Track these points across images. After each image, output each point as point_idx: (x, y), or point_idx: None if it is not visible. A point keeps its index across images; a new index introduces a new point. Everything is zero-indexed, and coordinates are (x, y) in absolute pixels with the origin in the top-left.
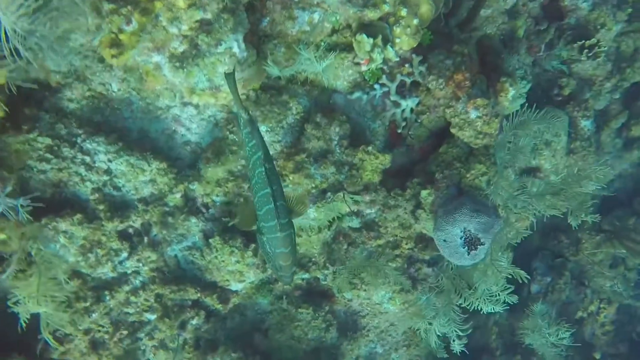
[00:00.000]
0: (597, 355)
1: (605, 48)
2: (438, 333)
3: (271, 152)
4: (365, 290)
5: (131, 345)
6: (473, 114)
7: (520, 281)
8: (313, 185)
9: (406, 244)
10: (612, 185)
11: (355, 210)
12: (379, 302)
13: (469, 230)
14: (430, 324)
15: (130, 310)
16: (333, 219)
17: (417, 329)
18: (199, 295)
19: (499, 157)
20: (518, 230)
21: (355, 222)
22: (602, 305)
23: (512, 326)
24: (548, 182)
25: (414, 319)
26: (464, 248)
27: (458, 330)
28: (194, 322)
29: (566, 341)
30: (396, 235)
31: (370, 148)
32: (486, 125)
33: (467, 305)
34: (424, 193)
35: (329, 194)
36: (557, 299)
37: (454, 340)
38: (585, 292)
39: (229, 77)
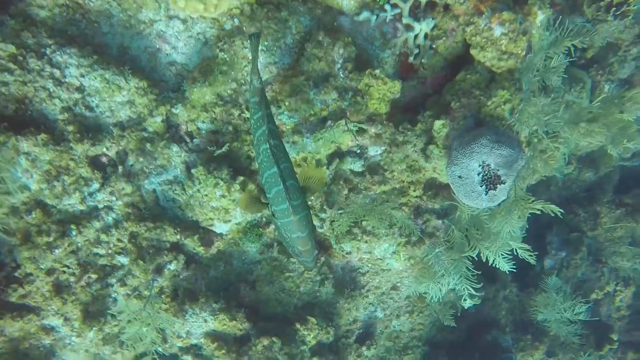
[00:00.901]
0: (615, 337)
1: (636, 7)
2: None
3: (266, 75)
4: (366, 242)
5: (100, 291)
6: (497, 31)
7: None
8: (312, 112)
9: (414, 190)
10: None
11: (359, 144)
12: (381, 256)
13: (488, 165)
14: (438, 283)
15: (101, 251)
16: (333, 154)
17: (424, 292)
18: (178, 237)
19: (525, 81)
20: (546, 162)
21: (357, 165)
22: (618, 288)
23: (522, 303)
24: (583, 107)
25: (419, 279)
26: (481, 186)
27: (470, 288)
28: (172, 267)
29: (583, 316)
30: (403, 181)
31: (377, 72)
32: (512, 44)
33: (483, 257)
34: (437, 124)
35: (329, 122)
36: (573, 275)
37: (465, 300)
38: (602, 270)
39: (253, 38)
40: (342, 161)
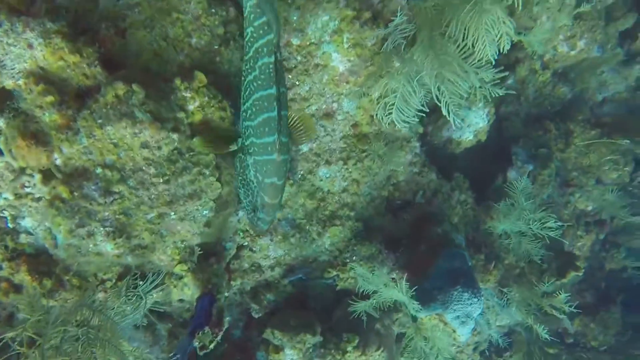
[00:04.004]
0: (581, 265)
1: None
2: (417, 104)
3: None
4: (298, 7)
5: None
6: None
7: None
8: None
9: None
10: (600, 109)
11: None
12: (316, 40)
13: None
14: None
15: None
16: None
17: (375, 114)
18: None
19: None
20: None
21: None
22: (579, 233)
23: (477, 219)
24: None
25: (366, 89)
26: None
27: (460, 90)
28: None
29: (553, 233)
30: None
31: None
32: None
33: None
34: None
35: None
36: (538, 193)
37: (446, 105)
38: (570, 199)
39: None
40: None
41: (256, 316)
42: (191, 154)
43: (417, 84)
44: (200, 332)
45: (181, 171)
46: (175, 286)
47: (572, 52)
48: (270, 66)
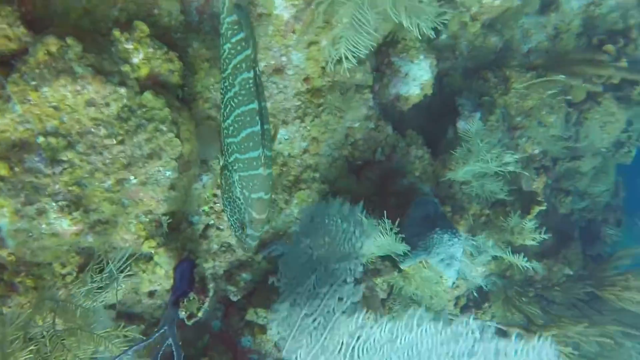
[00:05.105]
0: (542, 200)
1: None
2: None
3: None
4: None
5: None
6: None
7: None
8: None
9: None
10: (528, 59)
11: None
12: None
13: None
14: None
15: None
16: None
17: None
18: None
19: None
20: None
21: None
22: (533, 177)
23: (436, 174)
24: None
25: (316, 23)
26: None
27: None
28: None
29: (512, 167)
30: None
31: None
32: None
33: None
34: None
35: None
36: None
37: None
38: (519, 142)
39: None
40: None
41: (235, 299)
42: (143, 110)
43: (369, 7)
44: (185, 300)
45: (135, 129)
46: (144, 271)
47: (496, 2)
48: (250, 81)
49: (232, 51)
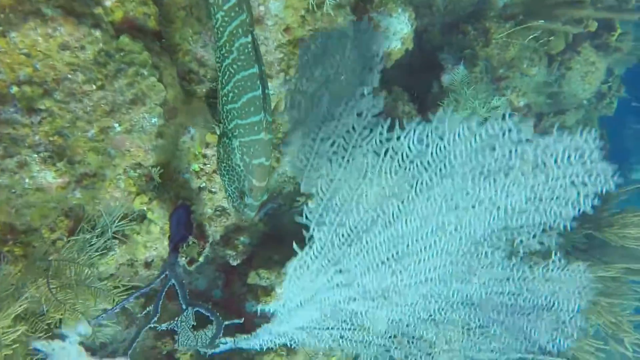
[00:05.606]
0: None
1: None
2: None
3: None
4: None
5: None
6: None
7: None
8: None
9: None
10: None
11: None
12: None
13: None
14: None
15: None
16: None
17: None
18: None
19: None
20: None
21: None
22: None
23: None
24: None
25: None
26: None
27: None
28: None
29: (501, 109)
30: None
31: None
32: None
33: None
34: None
35: None
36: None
37: None
38: (505, 93)
39: None
40: None
41: (234, 263)
42: (122, 54)
43: None
44: (184, 245)
45: (115, 74)
46: (138, 233)
47: None
48: (249, 46)
49: (226, 18)
